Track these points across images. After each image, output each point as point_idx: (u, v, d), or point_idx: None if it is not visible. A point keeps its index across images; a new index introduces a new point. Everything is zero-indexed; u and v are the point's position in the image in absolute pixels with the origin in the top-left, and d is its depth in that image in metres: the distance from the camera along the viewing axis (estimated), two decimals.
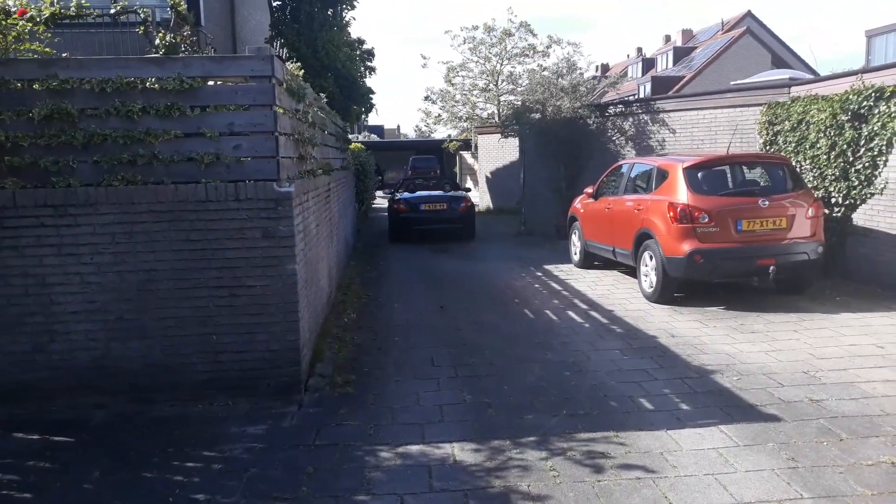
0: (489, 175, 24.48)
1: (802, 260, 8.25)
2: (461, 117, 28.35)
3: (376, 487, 3.99)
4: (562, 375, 5.94)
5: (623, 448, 4.43)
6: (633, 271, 9.82)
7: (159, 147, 5.12)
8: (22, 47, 5.55)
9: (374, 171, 25.46)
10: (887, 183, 8.63)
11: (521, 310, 8.55)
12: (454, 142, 29.86)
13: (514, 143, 18.96)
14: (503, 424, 4.88)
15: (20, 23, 5.44)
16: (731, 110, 11.47)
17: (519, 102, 18.21)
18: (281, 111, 5.44)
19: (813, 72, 28.08)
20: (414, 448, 4.51)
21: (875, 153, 8.71)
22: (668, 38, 54.96)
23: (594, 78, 19.41)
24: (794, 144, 9.99)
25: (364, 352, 6.79)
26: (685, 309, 8.27)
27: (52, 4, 5.69)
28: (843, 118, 9.05)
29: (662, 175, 8.97)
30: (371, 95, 22.51)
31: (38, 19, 5.56)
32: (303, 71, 7.75)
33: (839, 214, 9.35)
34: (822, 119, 9.39)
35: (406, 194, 16.47)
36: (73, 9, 5.88)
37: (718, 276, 8.50)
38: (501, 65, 27.44)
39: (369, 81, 24.57)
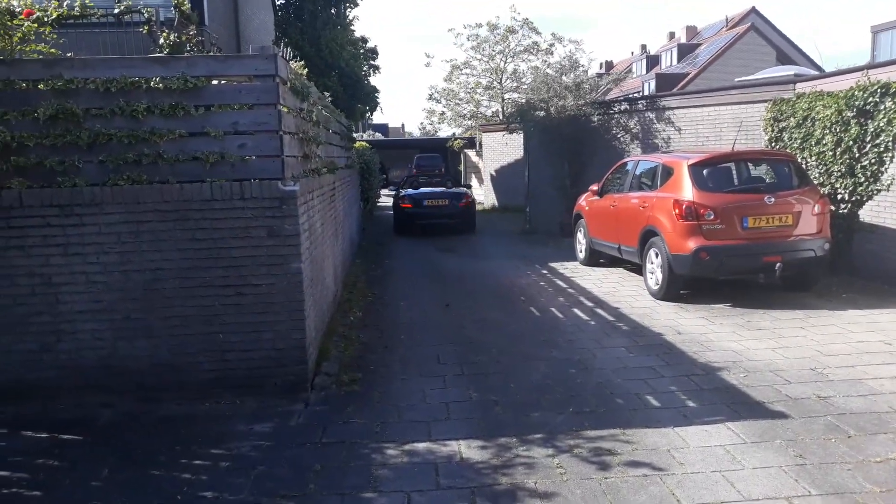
0: (494, 173, 24.47)
1: (809, 257, 8.23)
2: (465, 115, 28.34)
3: (383, 485, 3.99)
4: (568, 373, 5.93)
5: (630, 445, 4.43)
6: (638, 269, 9.81)
7: (164, 146, 5.13)
8: (27, 48, 5.56)
9: (379, 170, 25.47)
10: (894, 179, 8.59)
11: (527, 307, 8.54)
12: (458, 140, 29.84)
13: (518, 141, 18.96)
14: (510, 422, 4.88)
15: (26, 24, 5.45)
16: (736, 107, 11.43)
17: (523, 100, 18.22)
18: (285, 110, 5.44)
19: (818, 68, 28.00)
20: (420, 446, 4.52)
21: (881, 149, 8.67)
22: (672, 35, 54.83)
23: (598, 75, 19.38)
24: (799, 141, 9.95)
25: (370, 350, 6.80)
26: (691, 306, 8.25)
27: (59, 7, 5.70)
28: (848, 114, 9.01)
29: (668, 172, 8.95)
30: (375, 94, 22.53)
31: (44, 20, 5.57)
32: (307, 70, 7.75)
33: (845, 211, 9.31)
34: (827, 115, 9.35)
35: (410, 191, 17.31)
36: (77, 9, 5.89)
37: (724, 274, 8.48)
38: (505, 62, 27.43)
39: (373, 80, 24.62)
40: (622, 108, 14.44)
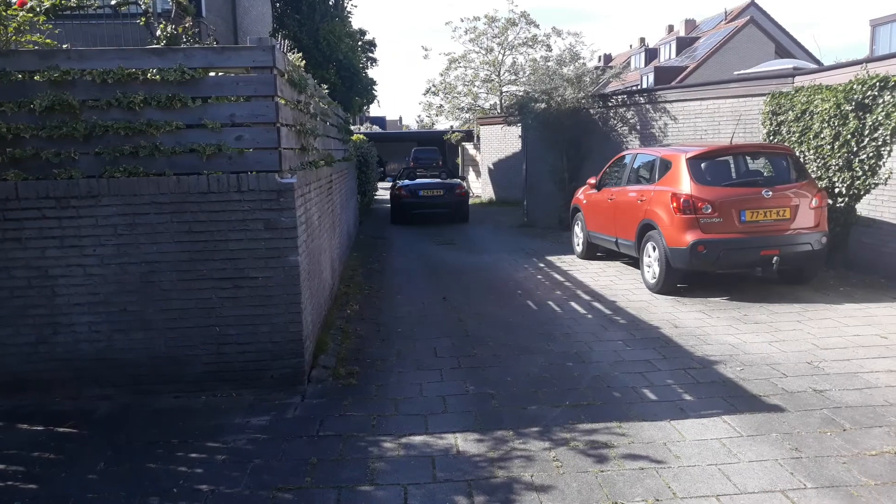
0: (491, 166, 24.44)
1: (806, 250, 8.23)
2: (463, 108, 28.29)
3: (380, 478, 4.00)
4: (565, 366, 5.94)
5: (626, 438, 4.44)
6: (636, 262, 9.81)
7: (161, 138, 5.11)
8: (23, 39, 5.52)
9: (377, 163, 25.44)
10: (892, 173, 8.59)
11: (524, 301, 8.54)
12: (456, 133, 29.82)
13: (516, 134, 18.96)
14: (506, 415, 4.89)
15: (20, 13, 5.41)
16: (735, 100, 11.42)
17: (521, 93, 18.20)
18: (283, 102, 5.42)
19: (817, 61, 27.93)
20: (417, 439, 4.52)
21: (879, 143, 8.67)
22: (671, 28, 54.71)
23: (597, 68, 19.34)
24: (797, 135, 9.95)
25: (367, 343, 6.80)
26: (688, 300, 8.26)
27: None
28: (847, 108, 9.01)
29: (665, 165, 8.95)
30: (373, 87, 22.44)
31: (38, 10, 5.53)
32: (304, 62, 7.72)
33: (843, 205, 9.32)
34: (826, 109, 9.35)
35: (407, 182, 18.35)
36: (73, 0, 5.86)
37: (722, 267, 8.49)
38: (503, 55, 27.37)
39: (371, 72, 24.52)
40: (620, 100, 14.41)
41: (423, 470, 4.09)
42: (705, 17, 51.34)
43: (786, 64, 14.99)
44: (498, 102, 27.38)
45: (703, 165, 8.53)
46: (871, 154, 8.80)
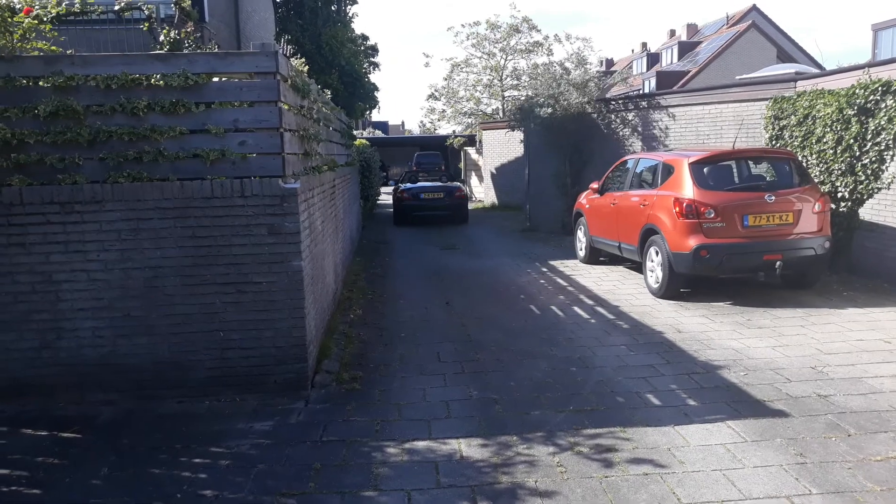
0: (494, 171, 24.45)
1: (809, 255, 8.22)
2: (466, 113, 28.33)
3: (383, 483, 3.99)
4: (568, 371, 5.93)
5: (630, 444, 4.43)
6: (638, 267, 9.80)
7: (165, 144, 5.12)
8: (28, 45, 5.54)
9: (379, 168, 25.47)
10: (894, 177, 8.59)
11: (527, 305, 8.54)
12: (458, 138, 29.85)
13: (518, 138, 18.99)
14: (510, 420, 4.88)
15: (26, 21, 5.43)
16: (737, 105, 11.42)
17: (523, 97, 18.22)
18: (286, 107, 5.43)
19: (819, 66, 27.95)
20: (420, 444, 4.51)
21: (882, 148, 8.67)
22: (672, 33, 54.80)
23: (599, 73, 19.35)
24: (800, 139, 9.94)
25: (370, 348, 6.80)
26: (691, 304, 8.25)
27: (58, 4, 5.68)
28: (849, 112, 9.00)
29: (668, 170, 8.95)
30: (375, 92, 22.50)
31: (44, 18, 5.55)
32: (307, 67, 7.75)
33: (846, 209, 9.30)
34: (828, 113, 9.34)
35: (409, 185, 19.28)
36: (77, 6, 5.88)
37: (724, 272, 8.48)
38: (505, 60, 27.41)
39: (374, 77, 24.60)
40: (623, 105, 14.42)
41: (426, 475, 4.08)
42: (707, 21, 51.39)
43: (788, 68, 14.98)
44: (500, 107, 27.41)
45: (705, 170, 8.53)
46: (873, 158, 8.79)
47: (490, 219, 20.19)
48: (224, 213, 5.19)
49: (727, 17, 47.31)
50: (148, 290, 5.21)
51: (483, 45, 27.33)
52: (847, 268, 9.42)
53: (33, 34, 5.55)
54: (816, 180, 9.36)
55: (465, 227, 17.96)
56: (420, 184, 19.39)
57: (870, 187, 8.93)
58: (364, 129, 41.55)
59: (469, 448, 4.43)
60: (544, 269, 11.13)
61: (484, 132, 25.26)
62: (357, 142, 17.74)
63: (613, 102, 14.87)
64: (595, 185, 11.14)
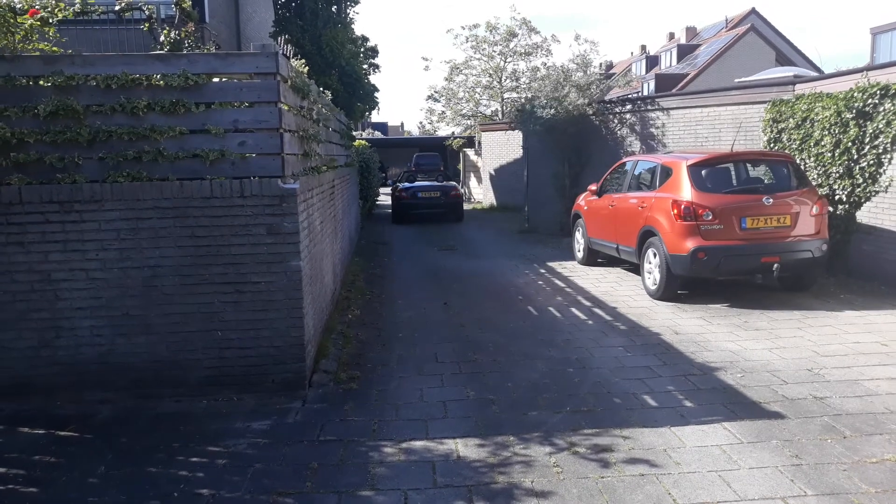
0: (493, 172, 24.48)
1: (806, 258, 8.25)
2: (465, 115, 28.36)
3: (380, 483, 4.00)
4: (565, 372, 5.95)
5: (626, 444, 4.44)
6: (636, 268, 9.82)
7: (164, 143, 5.13)
8: (30, 46, 5.56)
9: (379, 169, 25.50)
10: (892, 181, 8.61)
11: (525, 307, 8.55)
12: (458, 139, 29.87)
13: (517, 140, 19.03)
14: (507, 421, 4.89)
15: (29, 22, 5.44)
16: (736, 108, 11.45)
17: (524, 99, 18.25)
18: (286, 108, 5.45)
19: (817, 69, 27.99)
20: (418, 444, 4.53)
21: (880, 151, 8.69)
22: (671, 36, 54.86)
23: (601, 75, 19.38)
24: (798, 142, 9.97)
25: (368, 348, 6.81)
26: (689, 306, 8.27)
27: (64, 9, 5.69)
28: (847, 116, 9.03)
29: (666, 172, 8.97)
30: (375, 93, 22.49)
31: (49, 20, 5.56)
32: (307, 68, 7.75)
33: (843, 212, 9.33)
34: (826, 117, 9.37)
35: (407, 184, 20.22)
36: (77, 5, 5.89)
37: (722, 274, 8.50)
38: (505, 62, 27.45)
39: (373, 78, 24.59)
40: (622, 108, 14.45)
41: (423, 475, 4.09)
42: (706, 24, 51.45)
43: (786, 71, 15.01)
44: (499, 109, 27.45)
45: (703, 172, 8.55)
46: (871, 162, 8.82)
47: (489, 220, 20.24)
48: (223, 213, 5.20)
49: (726, 20, 47.36)
50: (147, 289, 5.22)
51: (482, 47, 27.37)
52: (844, 270, 9.45)
53: (35, 35, 5.56)
54: (814, 183, 9.39)
55: (464, 228, 17.99)
56: (417, 183, 20.33)
57: (867, 190, 8.96)
58: (363, 130, 41.57)
59: (466, 448, 4.45)
60: (542, 271, 11.15)
61: (483, 133, 25.29)
62: (356, 143, 17.77)
63: (612, 104, 14.90)
64: (593, 187, 11.16)
